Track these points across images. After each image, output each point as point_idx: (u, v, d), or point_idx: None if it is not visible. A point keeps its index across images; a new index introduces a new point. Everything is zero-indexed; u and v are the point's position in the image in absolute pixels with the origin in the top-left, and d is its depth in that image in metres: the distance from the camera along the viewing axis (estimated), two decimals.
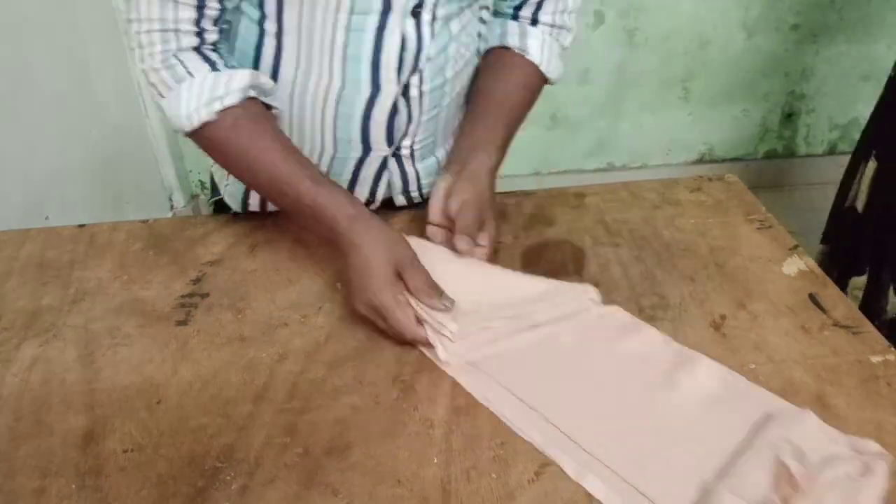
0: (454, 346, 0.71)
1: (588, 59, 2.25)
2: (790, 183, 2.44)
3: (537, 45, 0.93)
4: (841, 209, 1.58)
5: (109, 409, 0.69)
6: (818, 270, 0.85)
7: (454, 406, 0.68)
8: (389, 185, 0.96)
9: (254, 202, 0.99)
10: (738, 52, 2.30)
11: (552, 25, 0.95)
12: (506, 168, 0.92)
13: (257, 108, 0.81)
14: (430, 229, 0.86)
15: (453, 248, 0.82)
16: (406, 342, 0.74)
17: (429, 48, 0.84)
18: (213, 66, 0.79)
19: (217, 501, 0.60)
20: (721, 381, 0.69)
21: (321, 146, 0.90)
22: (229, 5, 0.81)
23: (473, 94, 0.95)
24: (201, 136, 0.80)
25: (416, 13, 0.81)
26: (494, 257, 0.85)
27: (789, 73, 2.36)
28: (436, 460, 0.63)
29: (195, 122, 0.79)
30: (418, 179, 0.98)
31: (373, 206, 0.97)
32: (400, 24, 0.81)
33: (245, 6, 0.83)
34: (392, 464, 0.63)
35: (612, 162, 2.45)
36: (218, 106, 0.78)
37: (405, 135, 0.91)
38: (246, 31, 0.84)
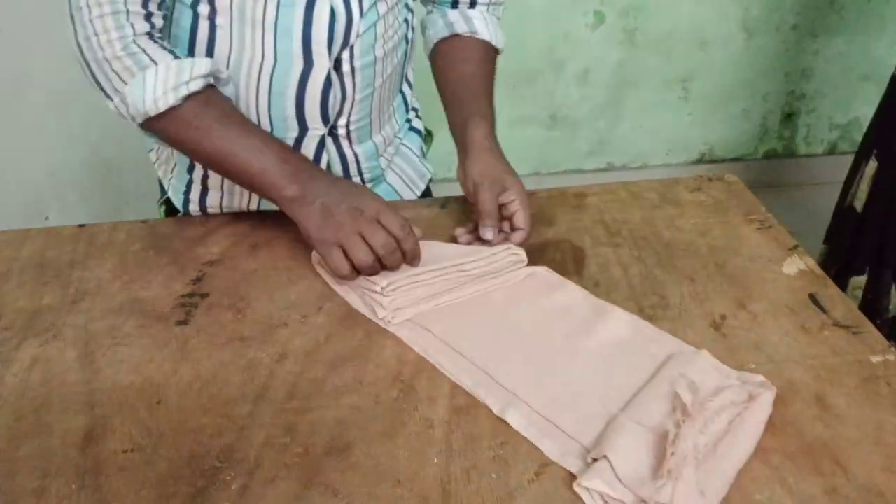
0: (395, 303, 0.77)
1: (588, 59, 2.25)
2: (790, 183, 2.44)
3: (483, 25, 1.03)
4: (842, 209, 1.58)
5: (109, 409, 0.69)
6: (818, 270, 0.85)
7: (454, 406, 0.68)
8: (329, 168, 0.98)
9: (194, 197, 1.02)
10: (738, 52, 2.30)
11: (488, 4, 1.05)
12: None
13: (219, 93, 0.86)
14: (458, 231, 0.90)
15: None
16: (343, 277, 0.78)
17: (358, 24, 0.89)
18: (174, 55, 0.83)
19: (217, 501, 0.60)
20: (632, 327, 0.76)
21: (257, 125, 0.92)
22: None
23: (444, 85, 1.02)
24: (165, 118, 0.83)
25: None
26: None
27: (789, 73, 2.36)
28: (436, 460, 0.63)
29: (161, 107, 0.82)
30: (358, 163, 1.01)
31: None
32: None
33: None
34: (392, 464, 0.63)
35: (612, 162, 2.45)
36: (184, 91, 0.82)
37: (340, 113, 0.95)
38: (180, 16, 0.88)
